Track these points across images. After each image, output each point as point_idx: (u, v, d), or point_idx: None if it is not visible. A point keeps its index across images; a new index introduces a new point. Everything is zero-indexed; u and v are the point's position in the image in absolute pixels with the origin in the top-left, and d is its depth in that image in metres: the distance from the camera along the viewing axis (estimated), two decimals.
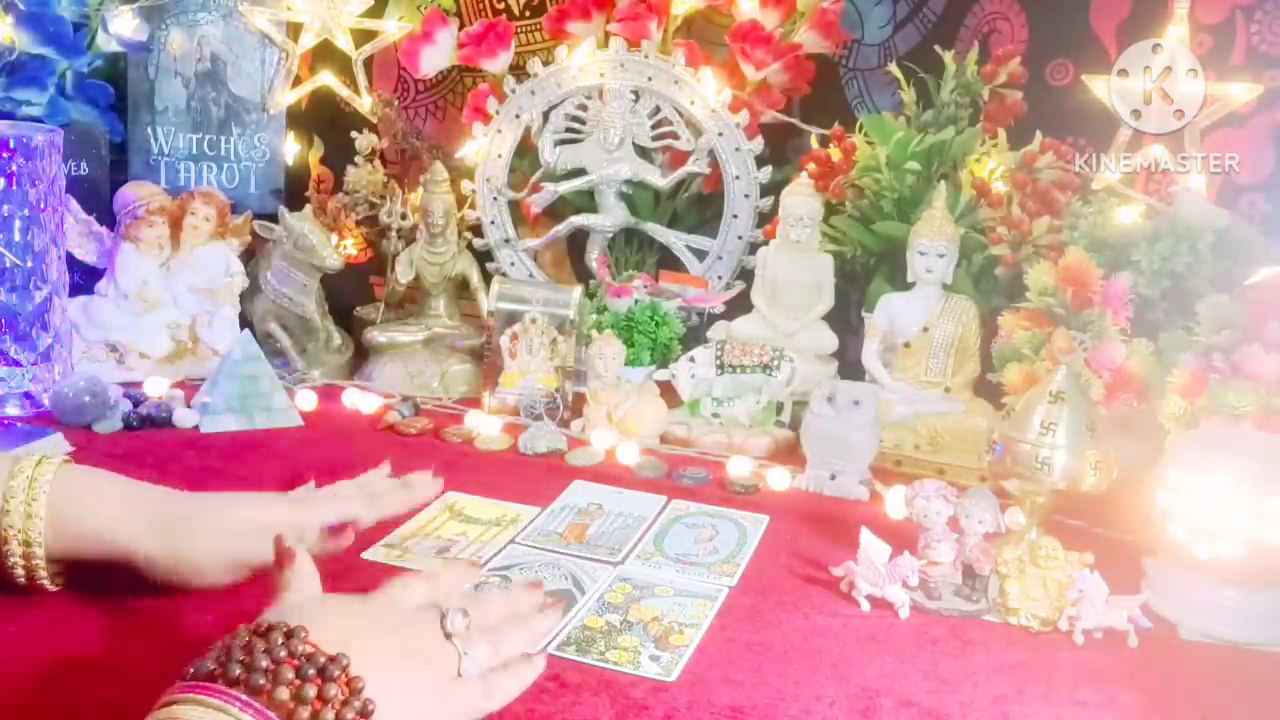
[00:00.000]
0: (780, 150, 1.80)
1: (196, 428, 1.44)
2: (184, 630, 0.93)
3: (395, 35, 1.87)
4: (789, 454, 1.45)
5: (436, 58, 1.86)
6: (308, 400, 1.54)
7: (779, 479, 1.36)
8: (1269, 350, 1.18)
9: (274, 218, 1.67)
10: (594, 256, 1.78)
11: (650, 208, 1.81)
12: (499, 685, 0.80)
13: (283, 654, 0.64)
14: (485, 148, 1.80)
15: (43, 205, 1.42)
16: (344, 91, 1.88)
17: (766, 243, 1.65)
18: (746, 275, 1.71)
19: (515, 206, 1.82)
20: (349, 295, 1.84)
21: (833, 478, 1.35)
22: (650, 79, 1.72)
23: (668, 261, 1.78)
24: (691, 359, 1.52)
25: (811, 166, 1.65)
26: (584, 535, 1.19)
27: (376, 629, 0.74)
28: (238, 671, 0.63)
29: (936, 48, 1.66)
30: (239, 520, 0.96)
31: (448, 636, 0.78)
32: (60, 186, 1.47)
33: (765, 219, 1.71)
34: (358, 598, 0.80)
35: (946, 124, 1.62)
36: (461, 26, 1.87)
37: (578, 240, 1.82)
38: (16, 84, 1.67)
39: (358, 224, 1.84)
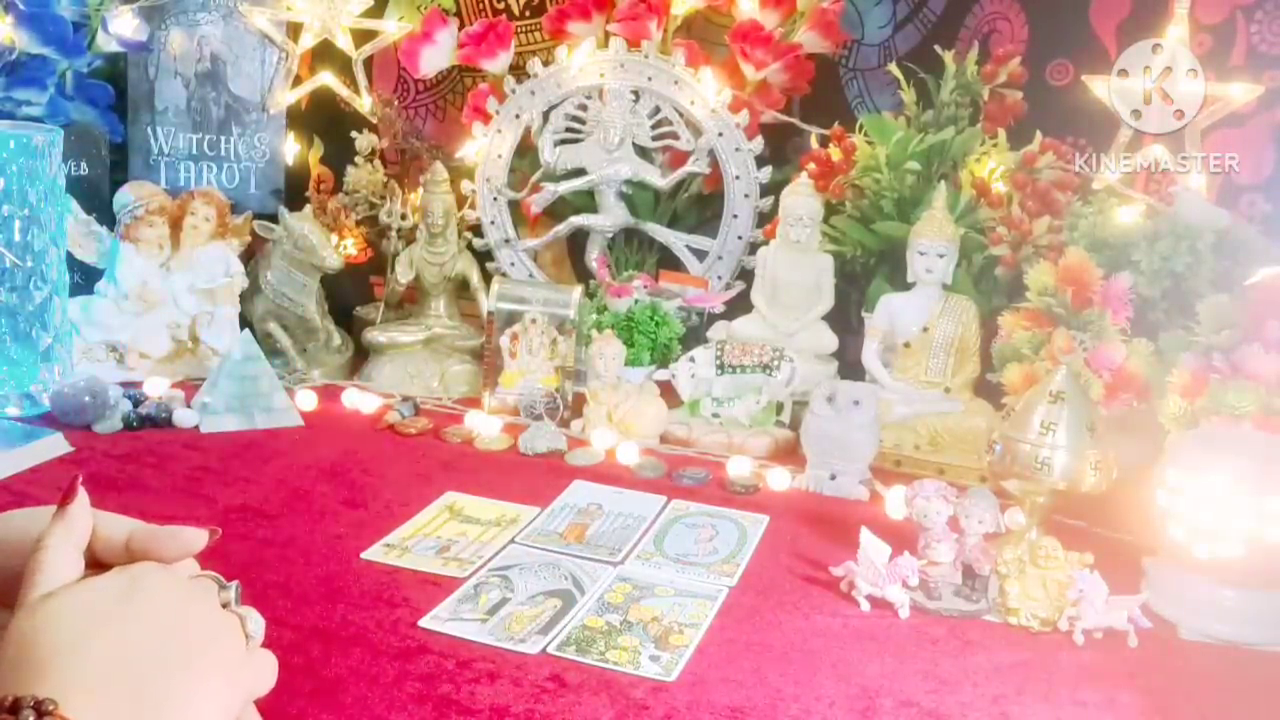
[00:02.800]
0: (780, 150, 1.80)
1: (196, 428, 1.44)
2: None
3: (395, 35, 1.87)
4: (789, 454, 1.45)
5: (436, 58, 1.86)
6: (308, 400, 1.54)
7: (779, 479, 1.36)
8: (1269, 350, 1.18)
9: (274, 218, 1.67)
10: (594, 256, 1.77)
11: (650, 208, 1.80)
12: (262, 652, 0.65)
13: None
14: (485, 148, 1.80)
15: (43, 205, 1.42)
16: (344, 91, 1.88)
17: (766, 243, 1.65)
18: (746, 275, 1.71)
19: (515, 206, 1.82)
20: (349, 295, 1.84)
21: (833, 478, 1.35)
22: (650, 79, 1.72)
23: (668, 261, 1.78)
24: (691, 359, 1.52)
25: (811, 166, 1.65)
26: (584, 535, 1.19)
27: (150, 643, 0.60)
28: None
29: (936, 48, 1.66)
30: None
31: (224, 605, 0.64)
32: (60, 186, 1.47)
33: (765, 219, 1.71)
34: (115, 593, 0.63)
35: (946, 124, 1.62)
36: (461, 26, 1.87)
37: (578, 240, 1.82)
38: (16, 84, 1.67)
39: (358, 224, 1.84)
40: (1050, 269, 1.39)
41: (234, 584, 0.66)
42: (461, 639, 0.96)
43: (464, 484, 1.31)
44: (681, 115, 1.73)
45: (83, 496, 0.67)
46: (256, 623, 0.65)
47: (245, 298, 1.67)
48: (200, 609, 0.63)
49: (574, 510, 1.26)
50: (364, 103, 1.88)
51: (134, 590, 0.62)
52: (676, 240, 1.78)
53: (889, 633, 1.02)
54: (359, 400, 1.56)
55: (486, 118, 1.80)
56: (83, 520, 0.69)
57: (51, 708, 0.54)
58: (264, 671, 0.63)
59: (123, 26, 1.74)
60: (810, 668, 0.95)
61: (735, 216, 1.73)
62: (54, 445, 1.31)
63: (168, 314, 1.63)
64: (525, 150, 1.81)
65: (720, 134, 1.71)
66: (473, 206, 1.81)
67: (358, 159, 1.85)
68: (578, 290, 1.60)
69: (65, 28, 1.69)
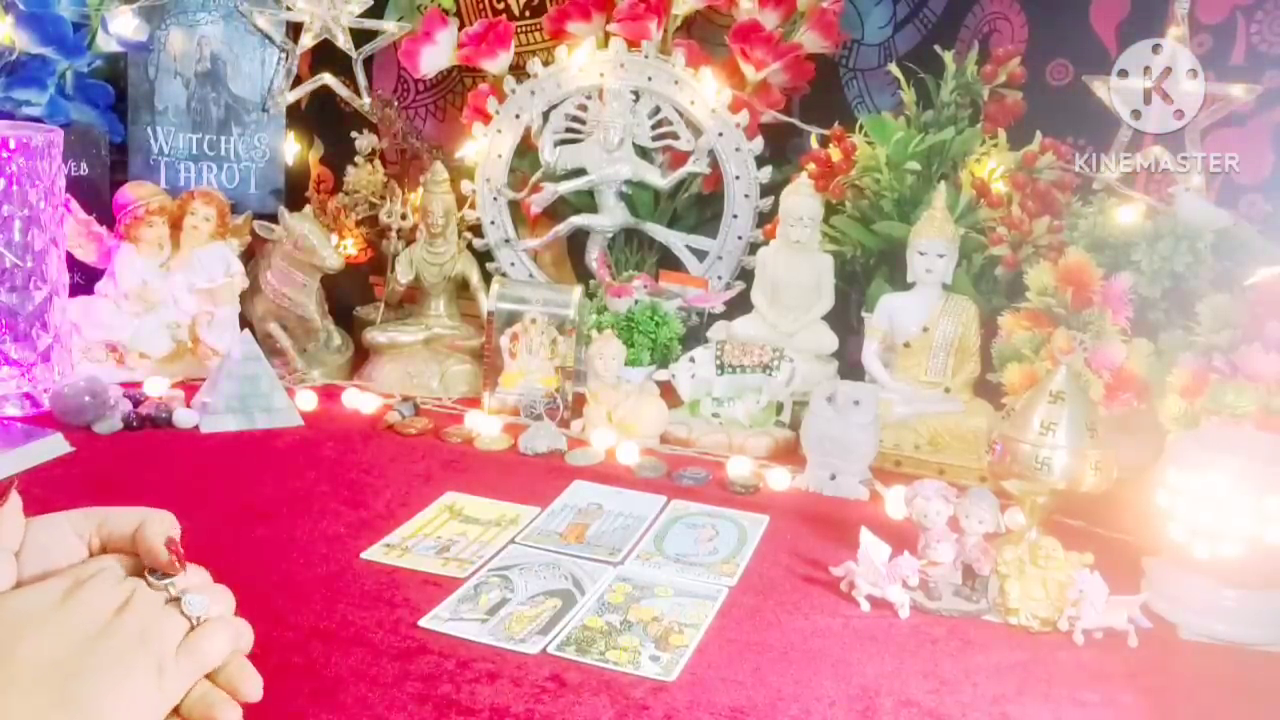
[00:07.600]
0: (780, 150, 1.80)
1: (196, 428, 1.44)
2: None
3: (395, 35, 1.87)
4: (789, 454, 1.45)
5: (436, 58, 1.86)
6: (308, 400, 1.54)
7: (779, 479, 1.36)
8: (1269, 350, 1.18)
9: (274, 218, 1.67)
10: (594, 256, 1.77)
11: (650, 208, 1.81)
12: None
13: None
14: (485, 148, 1.80)
15: (43, 205, 1.42)
16: (344, 91, 1.88)
17: (766, 243, 1.65)
18: (746, 275, 1.71)
19: (515, 206, 1.82)
20: (349, 295, 1.84)
21: (833, 478, 1.35)
22: (650, 79, 1.72)
23: (668, 261, 1.78)
24: (691, 359, 1.52)
25: (811, 166, 1.65)
26: (584, 535, 1.19)
27: (79, 646, 0.60)
28: None
29: (936, 48, 1.66)
30: None
31: (169, 600, 0.64)
32: (60, 186, 1.47)
33: (765, 219, 1.71)
34: (51, 597, 0.62)
35: (946, 124, 1.62)
36: (461, 26, 1.87)
37: (578, 240, 1.82)
38: (16, 84, 1.67)
39: (358, 224, 1.84)
40: (1050, 269, 1.39)
41: (168, 582, 0.66)
42: (461, 639, 0.96)
43: (464, 484, 1.31)
44: (681, 115, 1.73)
45: (14, 501, 0.67)
46: (196, 604, 0.65)
47: (245, 298, 1.67)
48: (138, 608, 0.64)
49: (574, 510, 1.26)
50: (364, 103, 1.88)
51: (71, 594, 0.63)
52: (676, 240, 1.78)
53: (889, 633, 1.02)
54: (359, 400, 1.56)
55: (486, 118, 1.80)
56: (12, 524, 0.69)
57: None
58: (205, 650, 0.62)
59: (123, 26, 1.74)
60: (810, 668, 0.95)
61: (735, 216, 1.73)
62: (54, 445, 1.31)
63: (168, 314, 1.63)
64: (525, 150, 1.81)
65: (720, 134, 1.71)
66: (473, 206, 1.81)
67: (358, 159, 1.85)
68: (578, 290, 1.60)
69: (65, 28, 1.69)
